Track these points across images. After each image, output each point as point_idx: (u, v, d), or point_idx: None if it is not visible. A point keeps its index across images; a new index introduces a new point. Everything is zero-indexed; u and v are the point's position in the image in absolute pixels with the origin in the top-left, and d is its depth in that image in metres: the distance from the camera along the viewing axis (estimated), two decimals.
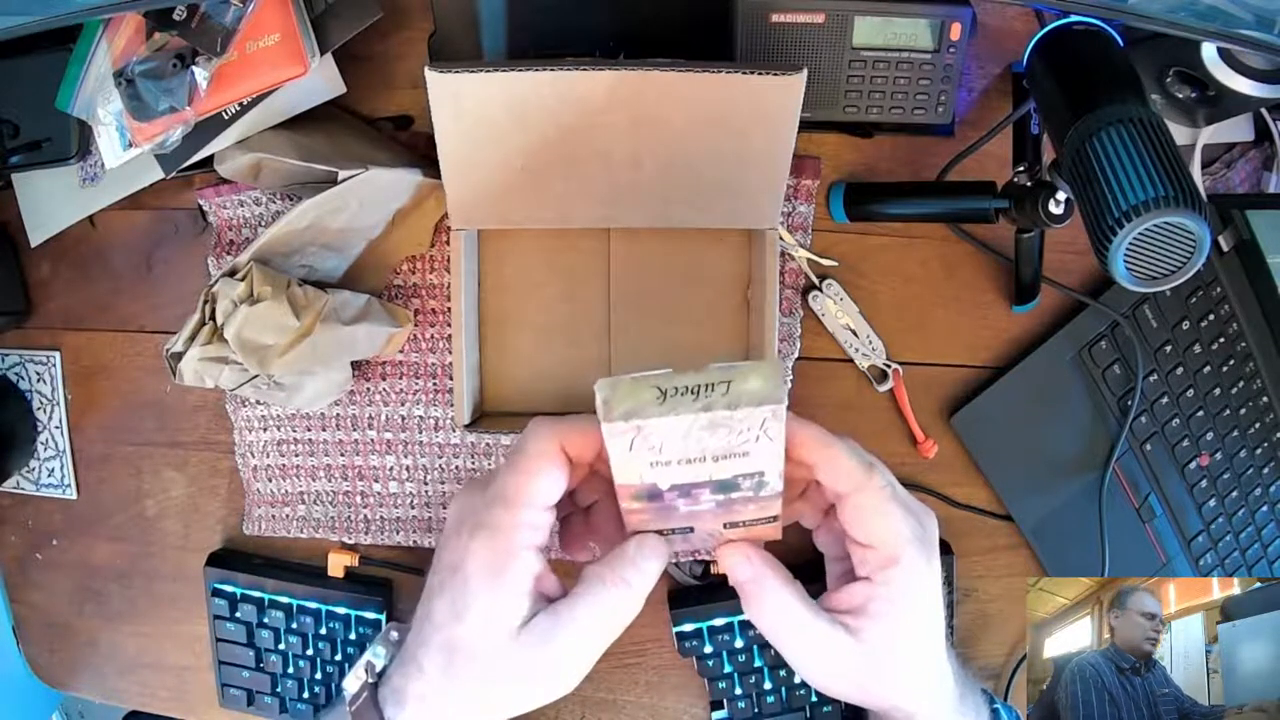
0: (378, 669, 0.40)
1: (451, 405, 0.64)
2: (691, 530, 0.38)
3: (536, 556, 0.37)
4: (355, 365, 0.64)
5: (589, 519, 0.41)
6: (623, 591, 0.37)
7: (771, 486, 0.35)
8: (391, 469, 0.66)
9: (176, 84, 0.51)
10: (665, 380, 0.32)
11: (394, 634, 0.41)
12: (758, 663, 0.63)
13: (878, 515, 0.37)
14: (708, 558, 0.64)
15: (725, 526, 0.38)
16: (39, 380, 0.71)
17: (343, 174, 0.53)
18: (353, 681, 0.40)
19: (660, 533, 0.38)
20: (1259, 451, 0.65)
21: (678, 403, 0.32)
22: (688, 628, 0.63)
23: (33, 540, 0.73)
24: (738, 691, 0.64)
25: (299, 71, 0.52)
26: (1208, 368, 0.63)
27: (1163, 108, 0.56)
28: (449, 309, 0.63)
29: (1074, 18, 0.47)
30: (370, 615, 0.66)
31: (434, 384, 0.64)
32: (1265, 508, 0.66)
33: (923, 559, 0.37)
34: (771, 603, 0.38)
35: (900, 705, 0.39)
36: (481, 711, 0.38)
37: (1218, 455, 0.65)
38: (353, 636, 0.66)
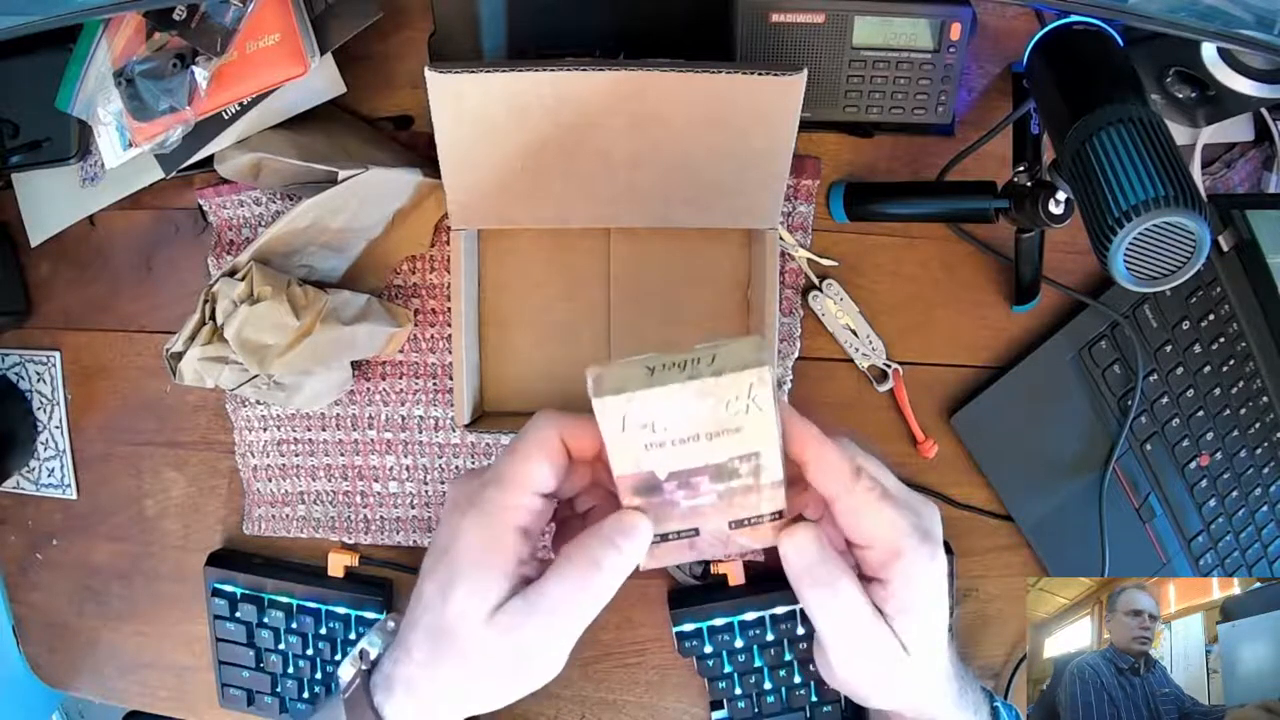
0: (372, 657, 0.40)
1: (451, 405, 0.64)
2: (697, 533, 0.38)
3: (524, 541, 0.37)
4: (355, 365, 0.64)
5: (585, 522, 0.41)
6: (592, 573, 0.36)
7: (770, 473, 0.35)
8: (391, 469, 0.66)
9: (176, 84, 0.51)
10: (653, 360, 0.33)
11: (390, 624, 0.41)
12: (758, 663, 0.63)
13: (868, 515, 0.37)
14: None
15: (731, 526, 0.37)
16: (39, 380, 0.71)
17: (343, 174, 0.53)
18: (347, 670, 0.40)
19: (665, 537, 0.38)
20: (1259, 451, 0.65)
21: (665, 375, 0.32)
22: (688, 628, 0.63)
23: (33, 540, 0.73)
24: (738, 691, 0.64)
25: (299, 71, 0.52)
26: (1208, 368, 0.63)
27: (1163, 108, 0.56)
28: (449, 309, 0.63)
29: (1074, 18, 0.47)
30: (370, 615, 0.66)
31: (434, 384, 0.64)
32: (1265, 508, 0.66)
33: (925, 550, 0.37)
34: (841, 599, 0.37)
35: (906, 701, 0.39)
36: (465, 698, 0.38)
37: (1218, 455, 0.65)
38: (352, 636, 0.66)
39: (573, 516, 0.42)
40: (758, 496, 0.36)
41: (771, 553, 0.39)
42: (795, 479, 0.39)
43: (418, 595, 0.38)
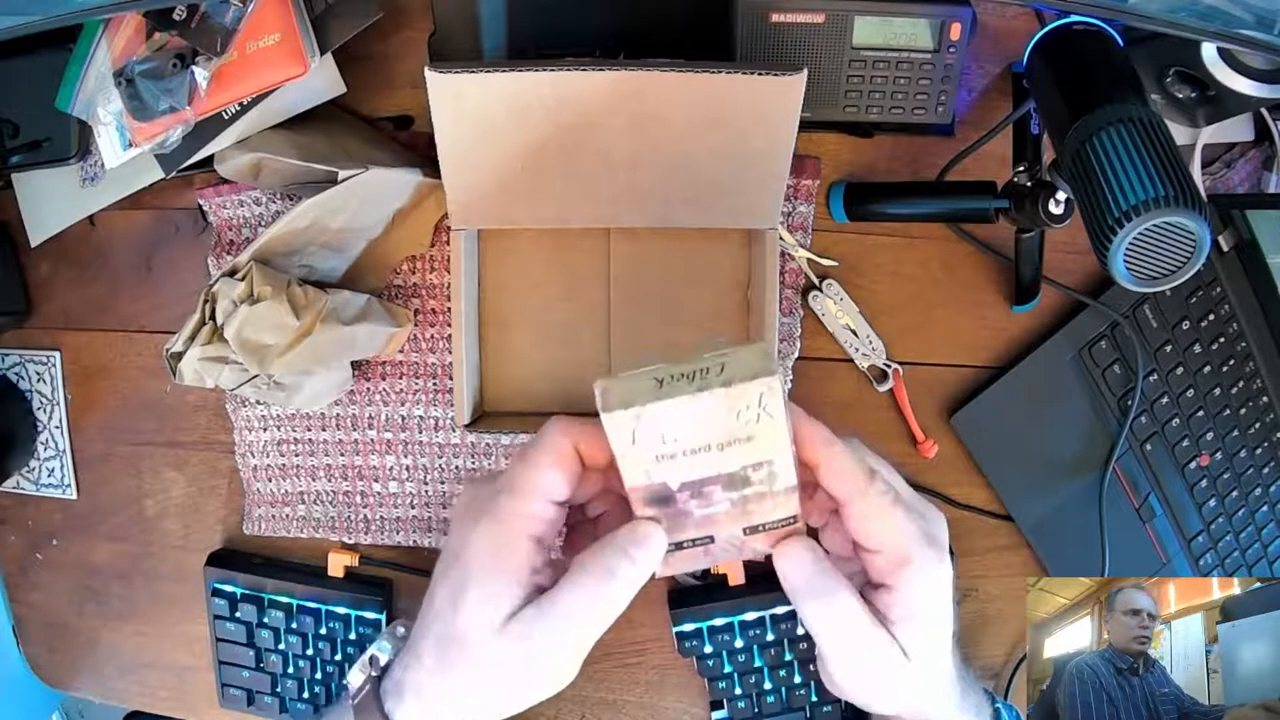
0: (381, 663, 0.40)
1: (451, 405, 0.64)
2: (712, 540, 0.38)
3: (537, 549, 0.37)
4: (355, 365, 0.64)
5: (596, 528, 0.41)
6: (607, 582, 0.36)
7: (784, 479, 0.35)
8: (391, 469, 0.66)
9: (176, 84, 0.51)
10: (661, 371, 0.33)
11: (400, 629, 0.41)
12: (758, 663, 0.63)
13: (881, 520, 0.37)
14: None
15: (745, 532, 0.37)
16: (39, 380, 0.71)
17: (343, 174, 0.53)
18: (356, 676, 0.40)
19: (679, 545, 0.37)
20: (1259, 451, 0.65)
21: (674, 388, 0.32)
22: (688, 628, 0.63)
23: (33, 540, 0.73)
24: (738, 691, 0.64)
25: (299, 71, 0.52)
26: (1208, 368, 0.63)
27: (1163, 108, 0.56)
28: (449, 309, 0.63)
29: (1074, 18, 0.47)
30: (370, 615, 0.66)
31: (434, 384, 0.64)
32: (1265, 508, 0.66)
33: (934, 557, 0.37)
34: (838, 610, 0.37)
35: (908, 705, 0.39)
36: (476, 705, 0.37)
37: (1218, 455, 0.65)
38: (353, 636, 0.66)
39: (584, 521, 0.41)
40: (771, 502, 0.36)
41: None
42: (802, 483, 0.39)
43: (429, 602, 0.38)
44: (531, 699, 0.37)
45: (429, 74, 0.47)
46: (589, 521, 0.41)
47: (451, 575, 0.37)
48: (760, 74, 0.48)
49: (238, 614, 0.67)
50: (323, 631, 0.66)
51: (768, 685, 0.63)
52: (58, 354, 0.70)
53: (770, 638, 0.63)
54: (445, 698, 0.37)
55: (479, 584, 0.36)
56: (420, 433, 0.65)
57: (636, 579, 0.36)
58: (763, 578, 0.63)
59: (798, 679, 0.63)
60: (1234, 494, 0.65)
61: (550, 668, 0.37)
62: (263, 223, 0.64)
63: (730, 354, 0.32)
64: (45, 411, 0.71)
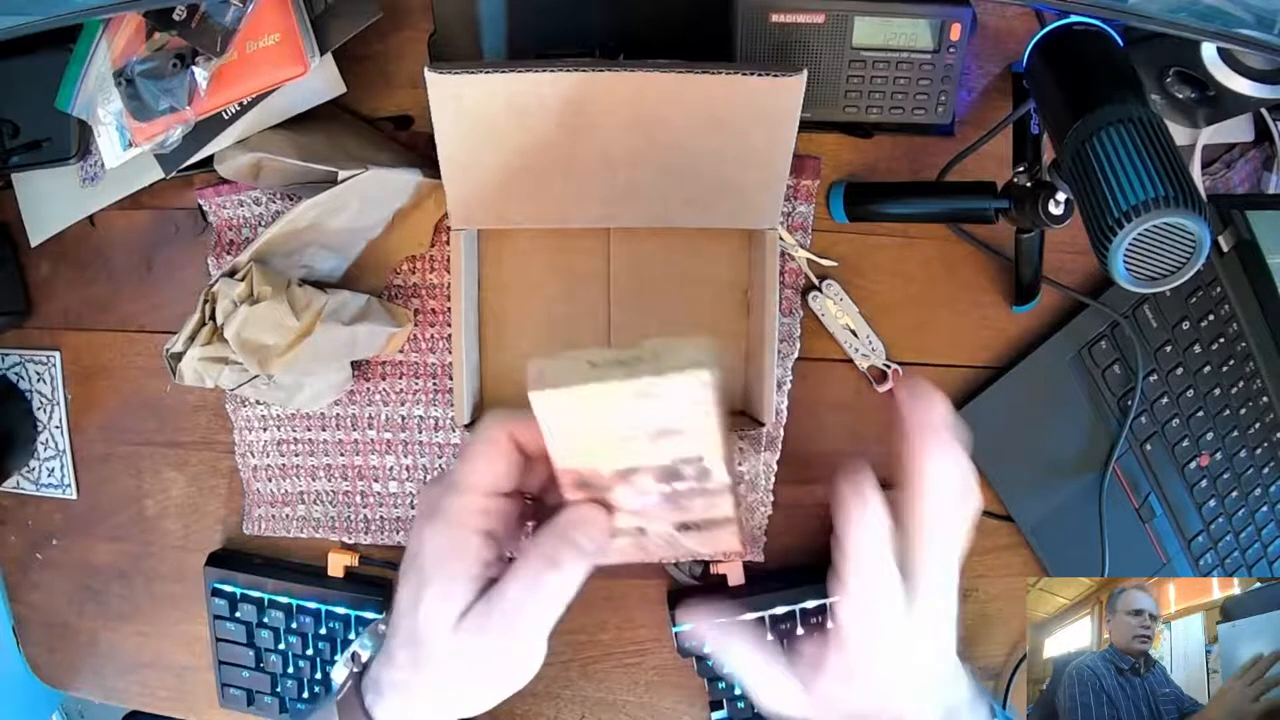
0: (363, 659, 0.41)
1: (451, 405, 0.64)
2: (643, 532, 0.37)
3: (487, 544, 0.37)
4: (355, 365, 0.64)
5: None
6: (550, 569, 0.36)
7: (717, 477, 0.34)
8: (391, 469, 0.66)
9: (176, 84, 0.51)
10: (597, 355, 0.32)
11: (381, 626, 0.42)
12: None
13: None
14: (708, 558, 0.64)
15: (678, 529, 0.37)
16: (39, 380, 0.71)
17: (343, 174, 0.53)
18: (340, 672, 0.40)
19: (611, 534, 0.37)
20: (1259, 451, 0.65)
21: (606, 372, 0.31)
22: (688, 628, 0.63)
23: (33, 540, 0.73)
24: (737, 691, 0.64)
25: (299, 71, 0.52)
26: (1208, 368, 0.63)
27: (1163, 108, 0.56)
28: (449, 309, 0.63)
29: (1074, 18, 0.47)
30: (370, 615, 0.66)
31: (434, 384, 0.64)
32: (1265, 508, 0.66)
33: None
34: (735, 652, 0.40)
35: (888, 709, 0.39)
36: (450, 701, 0.38)
37: (1218, 455, 0.65)
38: (352, 636, 0.66)
39: (549, 511, 0.41)
40: (704, 501, 0.36)
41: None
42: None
43: (397, 602, 0.39)
44: (502, 691, 0.38)
45: (429, 74, 0.47)
46: (552, 511, 0.41)
47: (410, 576, 0.37)
48: (760, 74, 0.48)
49: (238, 614, 0.67)
50: (323, 631, 0.66)
51: None
52: (58, 354, 0.70)
53: (769, 638, 0.63)
54: (419, 694, 0.38)
55: (433, 583, 0.36)
56: (420, 433, 0.65)
57: (580, 562, 0.36)
58: (763, 578, 0.63)
59: None
60: (1234, 494, 0.65)
61: (510, 658, 0.37)
62: (263, 223, 0.64)
63: (668, 344, 0.32)
64: (45, 411, 0.71)
